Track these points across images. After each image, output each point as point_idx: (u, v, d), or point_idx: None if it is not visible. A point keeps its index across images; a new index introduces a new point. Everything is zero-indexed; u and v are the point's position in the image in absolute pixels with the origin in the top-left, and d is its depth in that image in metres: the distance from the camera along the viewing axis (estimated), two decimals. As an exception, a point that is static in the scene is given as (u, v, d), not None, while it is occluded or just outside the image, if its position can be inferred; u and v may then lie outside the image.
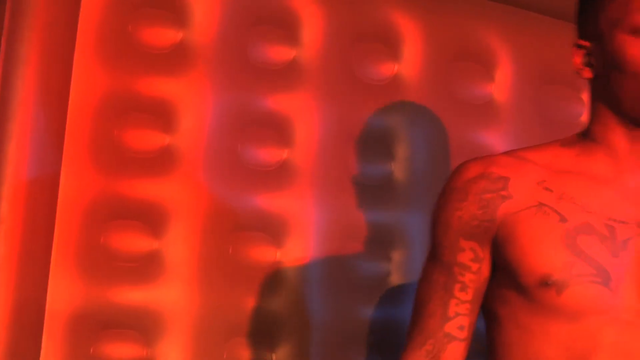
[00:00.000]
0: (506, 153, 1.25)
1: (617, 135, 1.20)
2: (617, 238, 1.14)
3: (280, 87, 1.89)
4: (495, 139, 2.13)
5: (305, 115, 1.91)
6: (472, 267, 1.22)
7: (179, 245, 1.75)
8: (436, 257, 1.25)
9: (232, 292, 1.81)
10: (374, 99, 1.97)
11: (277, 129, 1.88)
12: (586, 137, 1.24)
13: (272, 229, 1.84)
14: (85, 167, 1.69)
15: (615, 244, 1.14)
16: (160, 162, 1.76)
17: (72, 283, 1.65)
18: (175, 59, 1.80)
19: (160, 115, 1.77)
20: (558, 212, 1.16)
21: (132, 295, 1.71)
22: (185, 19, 1.83)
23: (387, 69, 2.01)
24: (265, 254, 1.84)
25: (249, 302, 1.79)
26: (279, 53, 1.91)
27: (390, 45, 2.02)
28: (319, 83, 1.94)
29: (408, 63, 2.04)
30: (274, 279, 1.81)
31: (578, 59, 1.22)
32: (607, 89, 1.19)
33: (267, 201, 1.83)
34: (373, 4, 1.98)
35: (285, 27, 1.91)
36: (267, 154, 1.86)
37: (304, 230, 1.86)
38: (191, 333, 1.75)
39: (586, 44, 1.22)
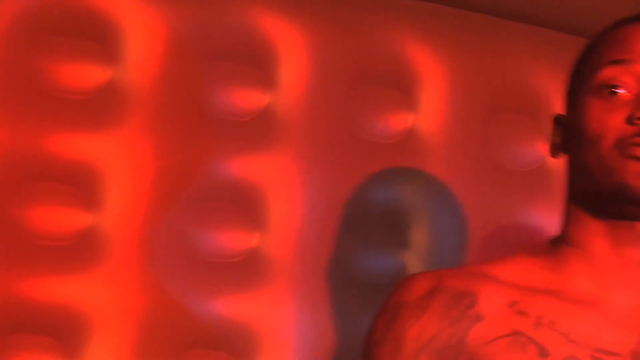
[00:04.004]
0: (459, 268, 1.20)
1: (596, 237, 1.14)
2: None
3: (249, 146, 1.75)
4: (549, 219, 1.87)
5: (283, 185, 1.76)
6: None
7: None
8: None
9: None
10: (379, 164, 1.82)
11: (244, 204, 1.73)
12: (560, 242, 1.18)
13: (238, 349, 1.67)
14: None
15: None
16: (80, 251, 1.61)
17: None
18: (101, 107, 1.67)
19: (80, 185, 1.63)
20: (537, 344, 1.08)
21: None
22: (116, 51, 1.70)
23: (398, 122, 1.85)
24: None
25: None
26: (247, 99, 1.76)
27: (403, 90, 1.87)
28: (302, 141, 1.78)
29: (427, 114, 1.88)
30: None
31: (555, 138, 1.21)
32: (573, 171, 1.17)
33: (232, 307, 1.68)
34: (380, 34, 1.86)
35: (256, 64, 1.78)
36: (231, 240, 1.70)
37: (280, 345, 1.69)
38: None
39: (561, 118, 1.22)
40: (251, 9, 1.79)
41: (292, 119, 1.79)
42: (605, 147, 1.09)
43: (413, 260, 1.84)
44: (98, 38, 1.69)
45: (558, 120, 1.22)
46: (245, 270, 1.71)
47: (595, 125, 1.10)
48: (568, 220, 1.18)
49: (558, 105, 1.98)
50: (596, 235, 1.14)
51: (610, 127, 1.09)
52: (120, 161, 1.66)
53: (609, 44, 1.15)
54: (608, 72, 1.11)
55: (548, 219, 1.98)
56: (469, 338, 1.11)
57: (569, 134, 1.17)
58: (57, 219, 1.61)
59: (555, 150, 1.21)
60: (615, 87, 1.11)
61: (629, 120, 1.08)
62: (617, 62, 1.11)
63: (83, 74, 1.66)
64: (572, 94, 1.20)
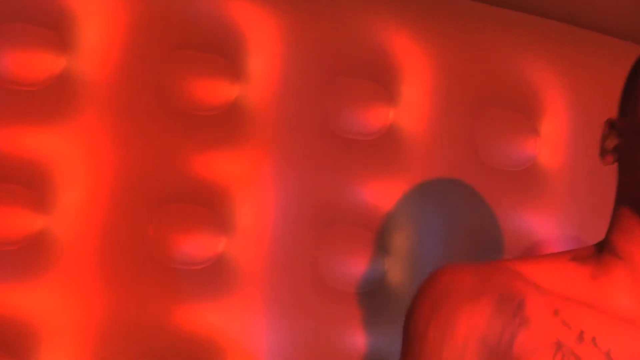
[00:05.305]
0: (498, 265, 1.20)
1: None
2: None
3: (216, 142, 1.70)
4: (540, 224, 1.89)
5: (252, 184, 1.71)
6: None
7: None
8: None
9: None
10: (357, 163, 1.79)
11: (210, 206, 1.68)
12: (604, 249, 1.21)
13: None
14: None
15: None
16: (30, 257, 1.58)
17: None
18: (54, 99, 1.62)
19: (30, 184, 1.60)
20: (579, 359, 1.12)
21: None
22: (70, 38, 1.66)
23: (378, 117, 1.81)
24: None
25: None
26: (214, 91, 1.72)
27: (383, 82, 1.82)
28: (274, 137, 1.74)
29: (409, 108, 1.84)
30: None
31: (607, 142, 1.24)
32: (624, 175, 1.19)
33: (197, 317, 1.64)
34: (359, 22, 1.82)
35: (224, 53, 1.73)
36: (196, 245, 1.66)
37: (249, 358, 1.65)
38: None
39: (617, 122, 1.23)
40: (219, -6, 1.81)
41: (263, 113, 1.75)
42: None
43: (395, 266, 1.80)
44: (51, 24, 1.64)
45: (611, 124, 1.23)
46: (211, 277, 1.66)
47: None
48: (613, 228, 1.19)
49: (551, 99, 1.97)
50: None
51: None
52: (74, 158, 1.62)
53: None
54: None
55: (539, 223, 1.97)
56: (517, 342, 1.13)
57: (623, 138, 1.18)
58: (4, 221, 1.57)
59: (606, 155, 1.22)
60: None
61: None
62: None
63: (34, 63, 1.63)
64: (629, 97, 1.21)
